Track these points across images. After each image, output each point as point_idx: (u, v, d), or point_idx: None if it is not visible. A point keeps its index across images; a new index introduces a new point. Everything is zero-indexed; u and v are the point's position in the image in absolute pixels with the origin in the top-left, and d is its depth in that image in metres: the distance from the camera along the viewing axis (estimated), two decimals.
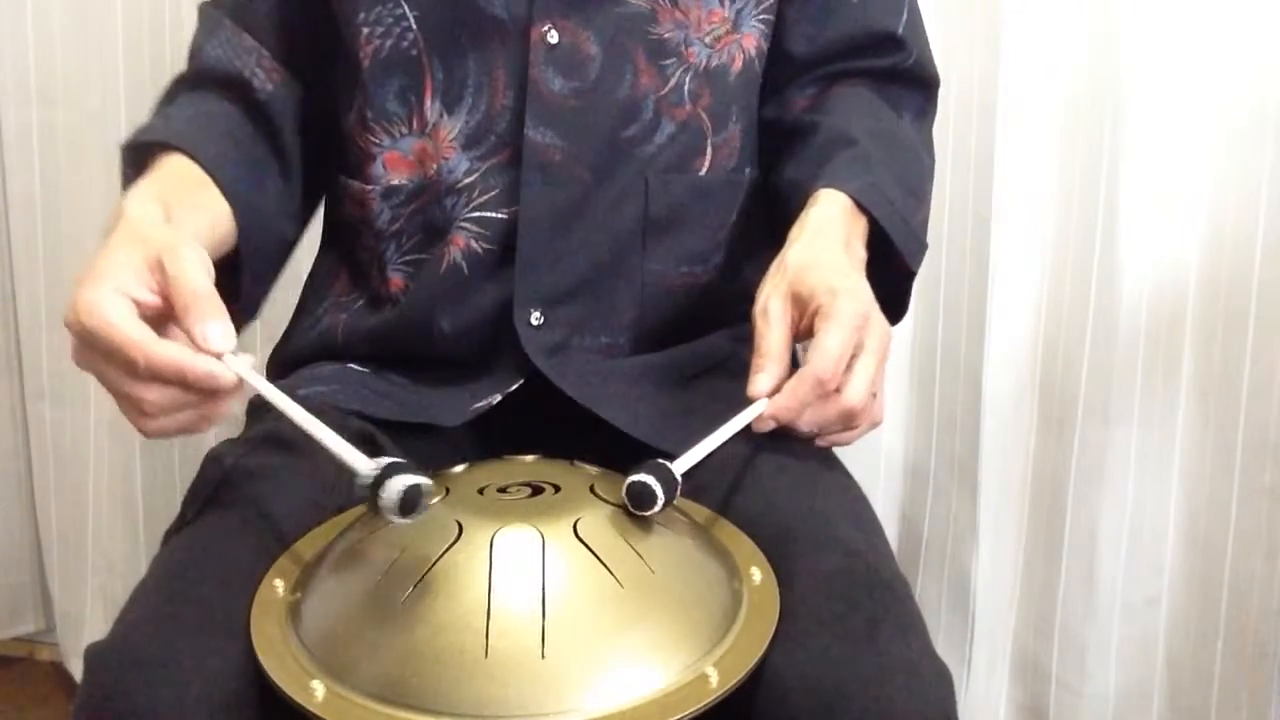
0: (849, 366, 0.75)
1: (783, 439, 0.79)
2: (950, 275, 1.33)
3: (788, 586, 0.69)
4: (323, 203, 0.99)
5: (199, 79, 0.91)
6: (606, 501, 0.68)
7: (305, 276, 0.99)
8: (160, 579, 0.70)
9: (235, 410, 0.72)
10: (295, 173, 0.93)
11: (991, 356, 1.30)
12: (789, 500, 0.76)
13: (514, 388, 0.87)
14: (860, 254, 0.83)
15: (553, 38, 0.85)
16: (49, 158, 1.52)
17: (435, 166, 0.87)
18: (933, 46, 0.99)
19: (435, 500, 0.67)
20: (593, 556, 0.64)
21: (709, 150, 0.91)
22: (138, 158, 0.84)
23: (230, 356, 0.67)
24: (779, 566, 0.70)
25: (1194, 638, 1.31)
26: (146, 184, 0.79)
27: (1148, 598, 1.32)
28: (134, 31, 1.44)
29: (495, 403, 0.86)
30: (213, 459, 0.79)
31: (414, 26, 0.86)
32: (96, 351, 0.66)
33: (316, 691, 0.60)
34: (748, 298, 0.81)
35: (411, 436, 0.84)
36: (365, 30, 0.87)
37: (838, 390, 0.75)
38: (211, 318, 0.66)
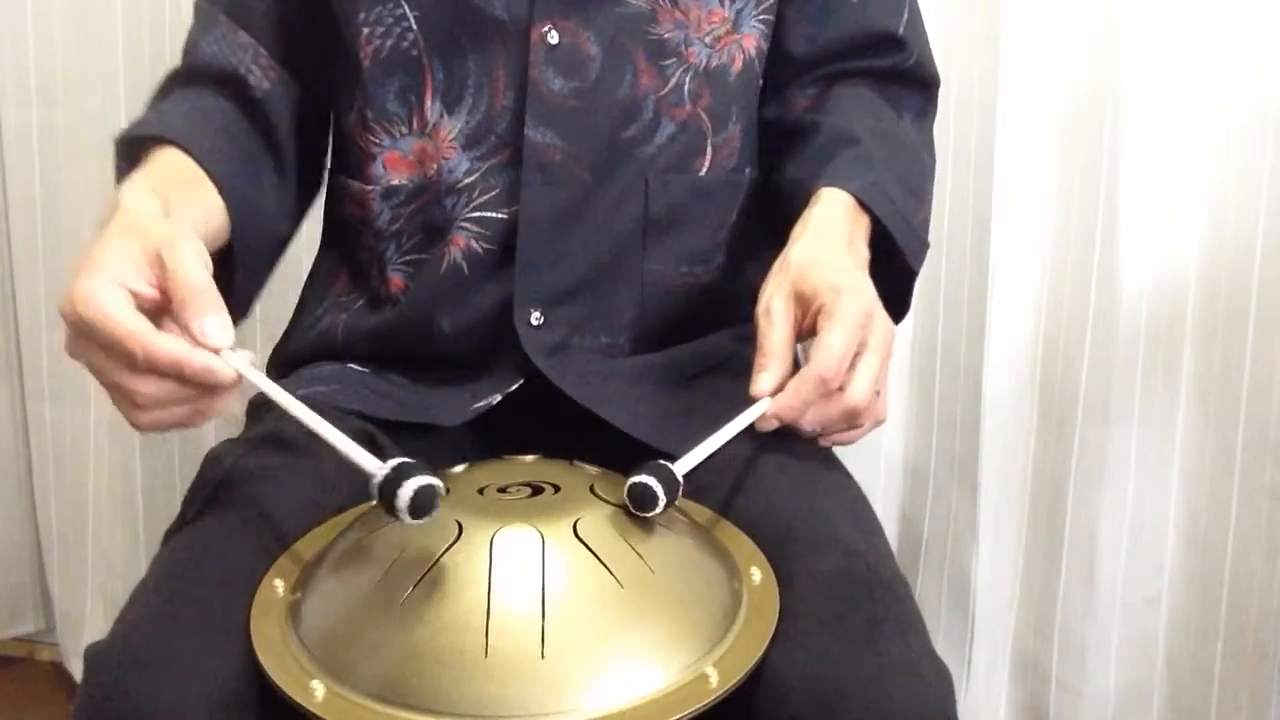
0: (852, 365, 0.75)
1: (783, 439, 0.79)
2: (950, 275, 1.33)
3: (788, 586, 0.69)
4: (322, 202, 0.98)
5: (193, 75, 0.90)
6: (606, 501, 0.68)
7: (305, 276, 0.99)
8: (160, 579, 0.70)
9: (235, 410, 0.72)
10: (290, 170, 0.92)
11: (991, 356, 1.30)
12: (789, 500, 0.76)
13: (514, 388, 0.87)
14: (863, 252, 0.83)
15: (553, 38, 0.85)
16: (49, 157, 1.52)
17: (435, 166, 0.87)
18: (933, 46, 0.99)
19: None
20: (593, 556, 0.64)
21: (709, 150, 0.91)
22: (131, 151, 0.83)
23: (228, 352, 0.66)
24: (779, 566, 0.70)
25: (1194, 638, 1.31)
26: (142, 177, 0.78)
27: (1148, 598, 1.32)
28: (134, 31, 1.44)
29: (495, 403, 0.86)
30: (213, 459, 0.79)
31: (414, 27, 0.86)
32: (92, 342, 0.65)
33: (316, 691, 0.60)
34: (748, 298, 0.81)
35: (411, 436, 0.84)
36: (365, 30, 0.87)
37: (841, 389, 0.75)
38: (210, 313, 0.66)
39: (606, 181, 0.87)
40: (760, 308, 0.78)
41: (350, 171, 0.92)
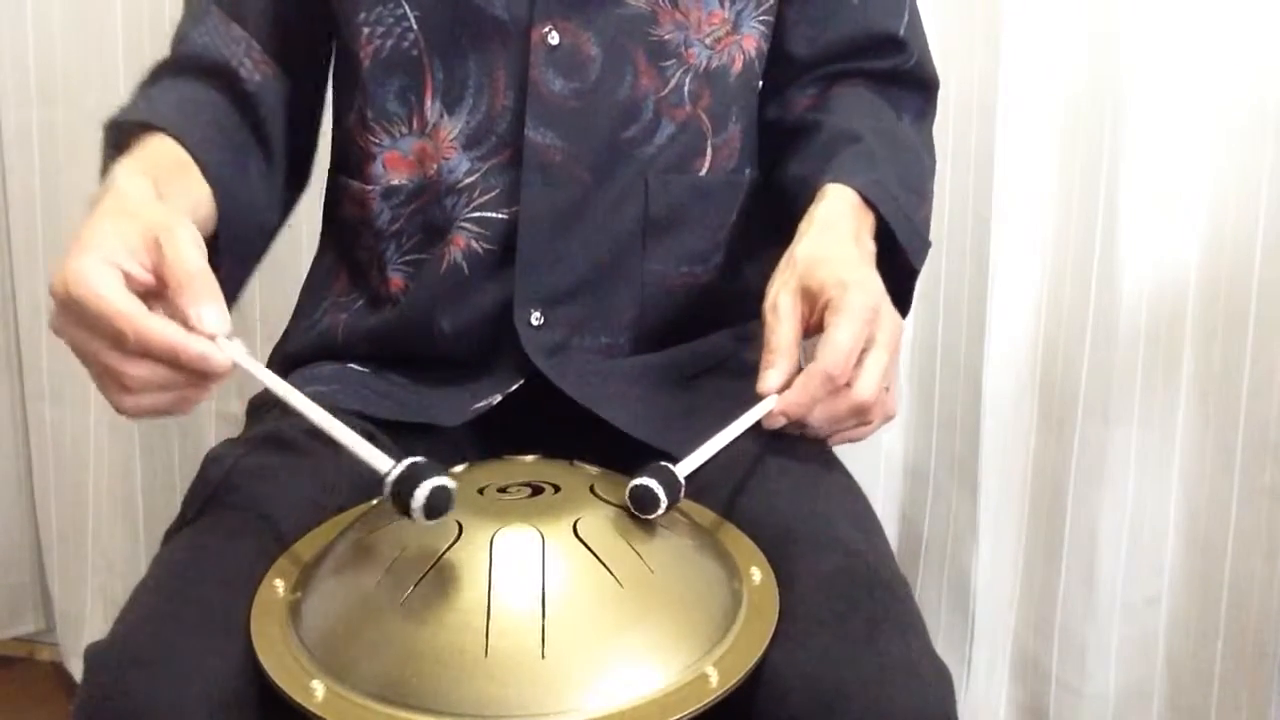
0: (859, 361, 0.75)
1: (784, 439, 0.79)
2: (950, 275, 1.33)
3: (788, 586, 0.69)
4: (322, 202, 0.98)
5: (183, 65, 0.90)
6: (606, 501, 0.68)
7: (305, 276, 0.99)
8: (160, 579, 0.70)
9: (235, 410, 0.72)
10: (278, 163, 0.92)
11: (991, 356, 1.30)
12: (789, 501, 0.76)
13: (514, 388, 0.87)
14: (869, 247, 0.83)
15: (553, 39, 0.85)
16: (49, 157, 1.52)
17: (435, 166, 0.87)
18: (933, 47, 0.99)
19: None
20: (592, 556, 0.64)
21: (709, 151, 0.91)
22: (120, 138, 0.83)
23: (223, 340, 0.65)
24: (779, 567, 0.70)
25: (1194, 638, 1.31)
26: (133, 161, 0.78)
27: (1148, 598, 1.32)
28: (134, 31, 1.44)
29: (495, 403, 0.86)
30: (213, 459, 0.79)
31: (414, 27, 0.86)
32: (82, 322, 0.64)
33: (316, 691, 0.60)
34: (748, 298, 0.81)
35: (411, 436, 0.84)
36: (366, 30, 0.87)
37: (848, 384, 0.75)
38: (207, 299, 0.65)
39: (606, 182, 0.87)
40: (767, 303, 0.78)
41: (350, 171, 0.92)
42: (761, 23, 0.91)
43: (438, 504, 0.63)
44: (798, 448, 0.80)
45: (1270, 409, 1.23)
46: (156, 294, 0.66)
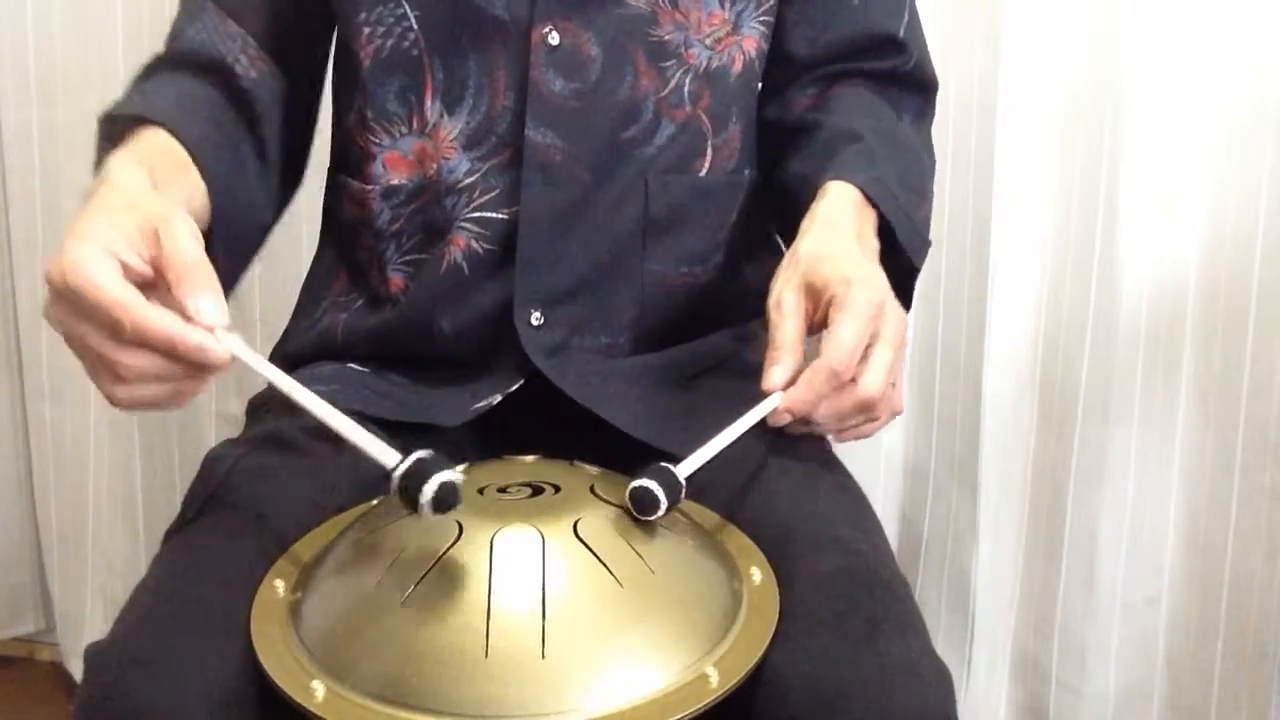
0: (864, 357, 0.74)
1: (783, 439, 0.78)
2: (950, 275, 1.33)
3: (788, 587, 0.69)
4: (322, 202, 0.98)
5: (179, 61, 0.90)
6: (607, 502, 0.68)
7: (305, 276, 0.99)
8: (160, 579, 0.70)
9: (235, 410, 0.72)
10: (273, 160, 0.91)
11: (991, 356, 1.30)
12: (790, 501, 0.76)
13: (514, 388, 0.87)
14: (873, 244, 0.83)
15: (554, 39, 0.85)
16: (49, 157, 1.52)
17: (435, 166, 0.87)
18: (933, 47, 0.99)
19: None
20: (593, 556, 0.64)
21: (709, 151, 0.91)
22: (114, 131, 0.82)
23: (221, 332, 0.65)
24: (779, 567, 0.70)
25: (1194, 638, 1.31)
26: (127, 153, 0.77)
27: (1148, 598, 1.32)
28: (134, 31, 1.44)
29: (495, 403, 0.86)
30: (213, 459, 0.79)
31: (415, 26, 0.86)
32: (78, 312, 0.64)
33: (316, 691, 0.60)
34: (748, 298, 0.81)
35: (411, 437, 0.83)
36: (366, 30, 0.87)
37: (854, 381, 0.74)
38: (205, 291, 0.65)
39: (606, 182, 0.87)
40: (771, 301, 0.78)
41: (350, 171, 0.92)
42: (761, 23, 0.91)
43: (446, 498, 0.62)
44: (798, 448, 0.80)
45: (1270, 409, 1.23)
46: (153, 285, 0.66)
